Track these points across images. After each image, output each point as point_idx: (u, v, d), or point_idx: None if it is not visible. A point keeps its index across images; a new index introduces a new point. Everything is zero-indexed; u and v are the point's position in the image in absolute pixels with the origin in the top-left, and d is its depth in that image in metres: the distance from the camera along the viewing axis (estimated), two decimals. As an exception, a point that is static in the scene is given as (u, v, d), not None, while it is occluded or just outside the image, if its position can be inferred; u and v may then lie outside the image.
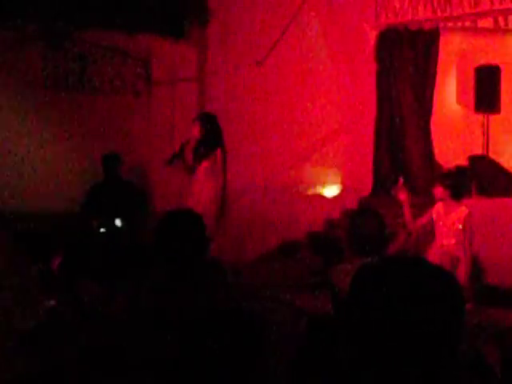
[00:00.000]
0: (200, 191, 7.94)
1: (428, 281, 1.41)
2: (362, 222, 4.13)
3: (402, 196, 6.89)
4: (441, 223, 6.82)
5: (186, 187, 8.33)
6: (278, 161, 9.77)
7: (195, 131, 7.95)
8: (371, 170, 10.59)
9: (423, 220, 7.05)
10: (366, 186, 10.44)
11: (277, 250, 9.30)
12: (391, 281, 1.40)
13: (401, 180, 7.06)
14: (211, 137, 7.92)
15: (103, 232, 7.63)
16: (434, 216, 6.88)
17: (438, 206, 6.86)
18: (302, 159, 10.14)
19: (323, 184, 10.44)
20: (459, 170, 7.03)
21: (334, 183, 10.51)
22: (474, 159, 10.01)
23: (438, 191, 6.81)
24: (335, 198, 10.38)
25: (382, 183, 10.36)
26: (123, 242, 7.33)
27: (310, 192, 10.28)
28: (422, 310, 1.38)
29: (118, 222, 7.86)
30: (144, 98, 9.45)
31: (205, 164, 7.93)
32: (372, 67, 10.58)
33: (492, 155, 10.14)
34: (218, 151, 7.90)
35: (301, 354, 2.30)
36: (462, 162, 9.69)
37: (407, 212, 6.88)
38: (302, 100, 10.10)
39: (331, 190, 10.51)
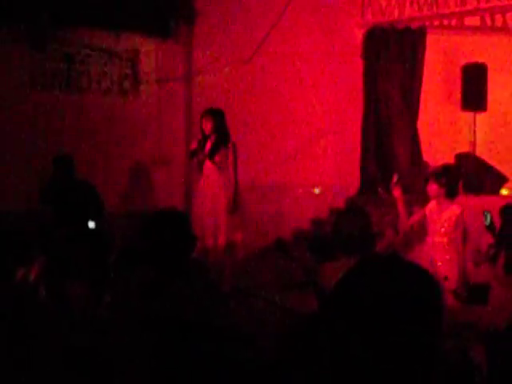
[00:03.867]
0: (212, 186, 7.80)
1: (405, 280, 1.42)
2: (347, 220, 4.13)
3: (397, 192, 6.82)
4: (433, 221, 6.79)
5: (195, 183, 8.26)
6: (265, 160, 9.77)
7: (208, 127, 7.83)
8: (358, 169, 10.61)
9: (416, 217, 7.02)
10: (353, 184, 10.46)
11: (267, 249, 9.31)
12: (368, 280, 1.41)
13: (395, 176, 6.99)
14: (223, 131, 7.84)
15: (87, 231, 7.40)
16: (427, 214, 6.84)
17: (431, 204, 6.82)
18: (289, 158, 10.14)
19: (310, 183, 10.45)
20: (446, 168, 7.00)
21: (321, 182, 10.52)
22: (460, 157, 10.04)
23: (433, 189, 6.71)
24: (322, 197, 10.39)
25: (369, 182, 10.38)
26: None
27: (298, 191, 10.29)
28: (399, 309, 1.38)
29: (91, 224, 7.59)
30: (131, 97, 9.43)
31: (217, 159, 7.81)
32: (359, 66, 10.61)
33: (479, 153, 10.17)
34: (231, 145, 7.83)
35: (285, 353, 2.31)
36: (450, 160, 9.71)
37: (401, 208, 6.82)
38: (289, 99, 10.11)
39: (318, 189, 10.52)
